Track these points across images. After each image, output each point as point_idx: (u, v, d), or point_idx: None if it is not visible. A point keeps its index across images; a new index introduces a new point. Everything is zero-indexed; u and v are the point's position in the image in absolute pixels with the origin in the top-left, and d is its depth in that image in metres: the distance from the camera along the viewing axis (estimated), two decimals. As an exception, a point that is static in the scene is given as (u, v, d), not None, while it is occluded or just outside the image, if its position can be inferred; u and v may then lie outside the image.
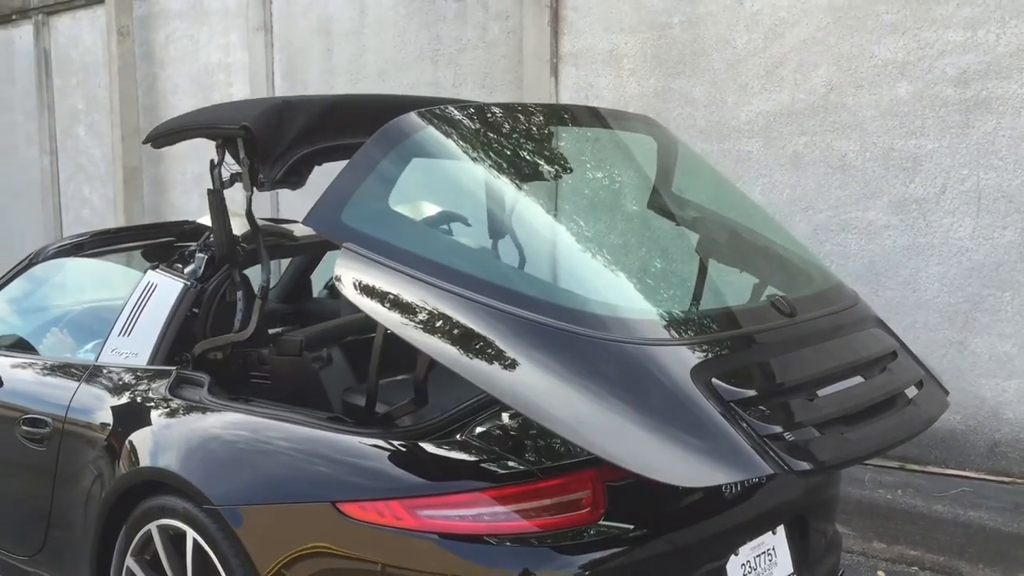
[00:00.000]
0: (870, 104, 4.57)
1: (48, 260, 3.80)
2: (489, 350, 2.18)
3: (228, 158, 2.88)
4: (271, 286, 3.14)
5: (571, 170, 2.96)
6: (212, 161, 2.90)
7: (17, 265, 3.86)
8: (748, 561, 2.63)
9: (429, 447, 2.39)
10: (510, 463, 2.35)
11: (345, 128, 2.97)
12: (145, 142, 3.21)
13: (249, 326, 2.92)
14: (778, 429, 2.20)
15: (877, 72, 4.55)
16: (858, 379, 2.56)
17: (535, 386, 2.14)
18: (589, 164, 3.08)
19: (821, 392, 2.42)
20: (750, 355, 2.42)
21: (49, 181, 9.82)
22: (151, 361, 3.05)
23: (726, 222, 3.08)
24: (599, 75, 5.51)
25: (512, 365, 2.16)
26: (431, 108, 2.68)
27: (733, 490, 2.59)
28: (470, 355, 2.18)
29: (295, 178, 2.96)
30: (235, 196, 2.92)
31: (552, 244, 2.64)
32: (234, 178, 2.89)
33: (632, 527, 2.37)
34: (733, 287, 2.79)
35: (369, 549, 2.30)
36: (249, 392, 3.16)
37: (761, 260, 2.98)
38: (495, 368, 2.16)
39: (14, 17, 10.01)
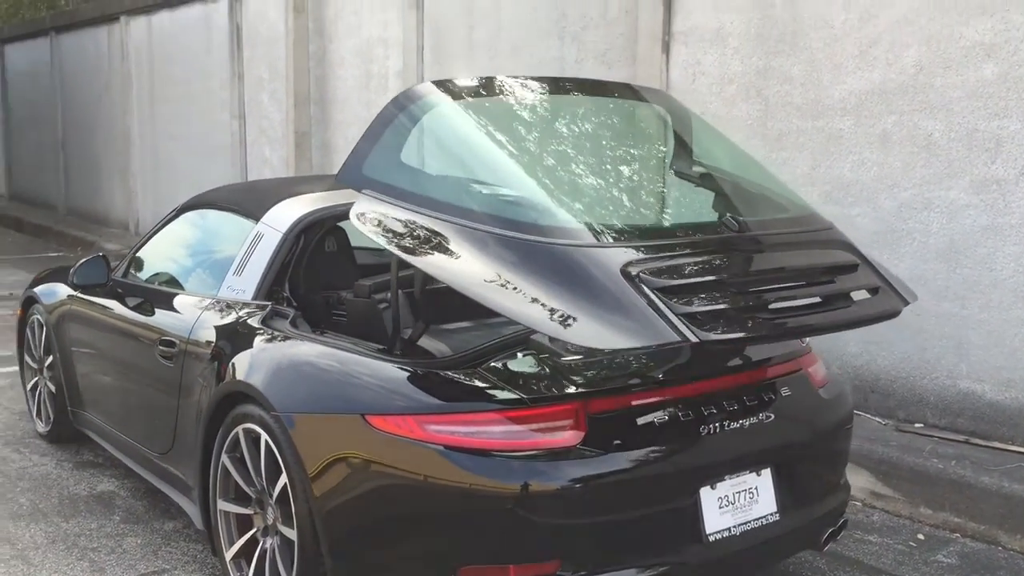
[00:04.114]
0: (957, 84, 4.64)
1: (193, 210, 4.54)
2: (462, 260, 2.72)
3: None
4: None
5: (554, 125, 3.48)
6: None
7: (169, 214, 4.61)
8: (727, 495, 2.96)
9: (444, 374, 2.89)
10: (508, 392, 2.81)
11: None
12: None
13: None
14: (695, 308, 2.60)
15: (965, 53, 4.61)
16: (801, 284, 2.91)
17: (486, 276, 2.67)
18: (575, 123, 3.54)
19: (753, 289, 2.79)
20: (684, 257, 2.83)
21: (237, 143, 10.90)
22: (254, 297, 3.69)
23: (710, 162, 3.50)
24: (706, 52, 5.75)
25: (472, 265, 2.71)
26: (443, 79, 3.26)
27: (714, 430, 2.93)
28: (445, 261, 2.74)
29: None
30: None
31: (528, 180, 3.09)
32: None
33: (609, 453, 2.77)
34: (693, 208, 3.26)
35: (387, 454, 2.81)
36: (330, 326, 3.76)
37: (729, 189, 3.35)
38: (462, 267, 2.71)
39: (213, -6, 11.11)
